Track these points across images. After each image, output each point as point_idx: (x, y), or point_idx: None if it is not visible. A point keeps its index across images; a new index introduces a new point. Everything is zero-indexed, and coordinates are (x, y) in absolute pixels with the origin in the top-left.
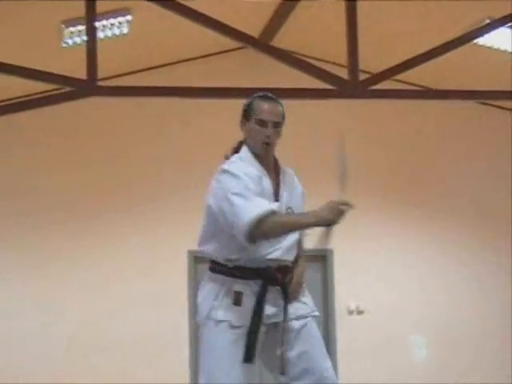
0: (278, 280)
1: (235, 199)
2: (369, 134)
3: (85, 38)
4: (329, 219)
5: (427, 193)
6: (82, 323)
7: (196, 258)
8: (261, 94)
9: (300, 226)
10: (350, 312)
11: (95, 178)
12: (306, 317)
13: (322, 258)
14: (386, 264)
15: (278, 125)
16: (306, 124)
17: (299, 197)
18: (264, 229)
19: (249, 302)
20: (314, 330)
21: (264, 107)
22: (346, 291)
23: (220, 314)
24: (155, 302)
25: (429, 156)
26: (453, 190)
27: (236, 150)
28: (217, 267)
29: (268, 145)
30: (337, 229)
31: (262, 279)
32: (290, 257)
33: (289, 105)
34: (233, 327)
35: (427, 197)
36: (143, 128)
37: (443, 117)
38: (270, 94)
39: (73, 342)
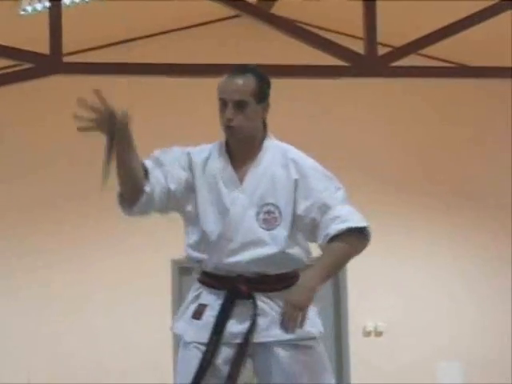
0: (241, 292)
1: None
2: (388, 119)
3: (47, 3)
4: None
5: (455, 193)
6: (59, 337)
7: (181, 269)
8: (237, 65)
9: None
10: (367, 333)
11: (61, 175)
12: (294, 344)
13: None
14: (409, 277)
15: (241, 103)
16: (315, 107)
17: (287, 188)
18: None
19: (211, 316)
20: (296, 366)
21: (224, 83)
22: (361, 309)
23: (177, 326)
24: (136, 315)
25: (465, 153)
26: (485, 189)
27: None
28: (195, 270)
29: (229, 128)
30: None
31: (225, 290)
32: (259, 268)
33: (294, 84)
34: (185, 343)
35: (454, 198)
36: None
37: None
38: (243, 66)
39: (52, 352)
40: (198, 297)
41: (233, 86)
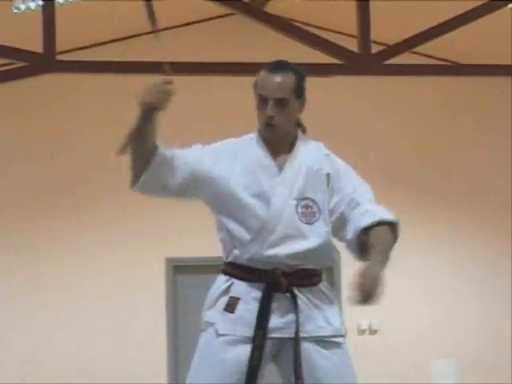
0: (281, 285)
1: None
2: (382, 117)
3: (40, 2)
4: (144, 102)
5: (456, 190)
6: (53, 335)
7: (175, 267)
8: (274, 61)
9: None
10: (361, 332)
11: (55, 172)
12: (325, 340)
13: (328, 268)
14: (403, 275)
15: (282, 101)
16: (309, 106)
17: (323, 183)
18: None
19: (245, 310)
20: (326, 363)
21: (264, 81)
22: (355, 307)
23: (210, 315)
24: (130, 313)
25: (465, 145)
26: (486, 187)
27: None
28: (224, 262)
29: (270, 126)
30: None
31: (264, 283)
32: (297, 261)
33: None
34: (219, 335)
35: (456, 195)
36: (112, 112)
37: (477, 93)
38: (281, 62)
39: (45, 353)
40: (228, 289)
41: (274, 83)
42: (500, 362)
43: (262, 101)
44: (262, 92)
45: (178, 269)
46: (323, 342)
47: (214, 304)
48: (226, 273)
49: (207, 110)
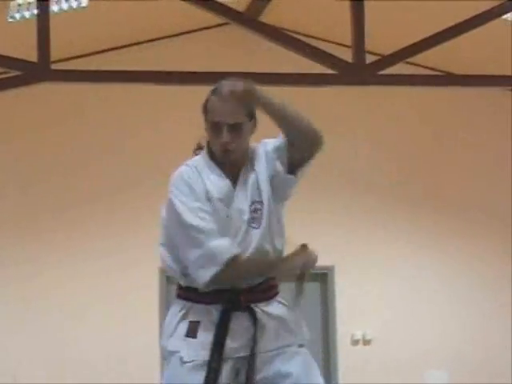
0: (240, 304)
1: (191, 236)
2: (376, 127)
3: (35, 11)
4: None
5: (445, 201)
6: (46, 340)
7: (168, 278)
8: (221, 82)
9: (270, 269)
10: (355, 342)
11: (49, 184)
12: (292, 347)
13: (321, 276)
14: (398, 284)
15: (236, 127)
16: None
17: (266, 171)
18: (224, 279)
19: (206, 333)
20: (295, 365)
21: (216, 105)
22: (349, 316)
23: (172, 344)
24: (123, 324)
25: (449, 159)
26: (475, 198)
27: (199, 148)
28: (178, 287)
29: (227, 152)
30: (338, 242)
31: (221, 303)
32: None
33: (281, 93)
34: (183, 363)
35: (446, 205)
36: (106, 121)
37: (470, 105)
38: (229, 83)
39: (34, 364)
40: (186, 314)
41: (226, 108)
42: (493, 374)
43: (215, 127)
44: (215, 118)
45: (171, 279)
46: (287, 348)
47: (173, 331)
48: (181, 297)
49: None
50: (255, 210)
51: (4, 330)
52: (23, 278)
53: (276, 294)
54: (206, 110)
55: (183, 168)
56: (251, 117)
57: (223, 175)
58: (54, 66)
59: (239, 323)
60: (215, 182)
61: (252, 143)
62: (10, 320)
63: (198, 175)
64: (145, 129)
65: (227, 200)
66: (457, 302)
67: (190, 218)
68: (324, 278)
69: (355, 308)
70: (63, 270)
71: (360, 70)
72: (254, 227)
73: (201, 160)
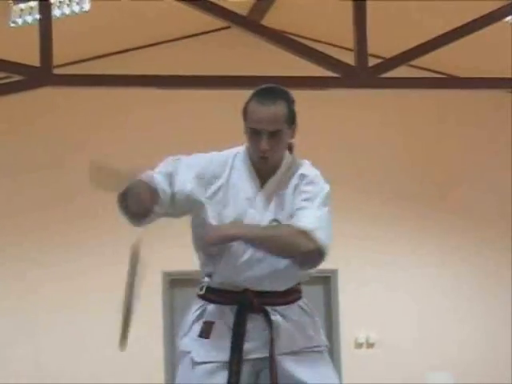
0: (253, 306)
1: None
2: (377, 131)
3: (37, 16)
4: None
5: (449, 204)
6: (46, 351)
7: (172, 281)
8: (261, 88)
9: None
10: (359, 345)
11: (49, 182)
12: (303, 351)
13: (324, 279)
14: (401, 287)
15: (276, 133)
16: (305, 119)
17: (291, 198)
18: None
19: (220, 334)
20: (306, 371)
21: (256, 113)
22: (353, 319)
23: (184, 344)
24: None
25: (453, 161)
26: (481, 198)
27: None
28: (199, 286)
29: (264, 159)
30: (341, 246)
31: (237, 305)
32: (264, 282)
33: None
34: (195, 364)
35: (449, 208)
36: (107, 124)
37: (471, 107)
38: (270, 89)
39: (38, 370)
40: (201, 314)
41: (266, 115)
42: (496, 375)
43: (255, 133)
44: (255, 125)
45: (175, 282)
46: (302, 352)
47: (188, 331)
48: (200, 297)
49: (202, 122)
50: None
51: (6, 331)
52: (23, 277)
53: (297, 298)
54: (246, 114)
55: (215, 155)
56: (291, 123)
57: (255, 177)
58: (56, 71)
59: (255, 325)
60: (246, 181)
61: (294, 155)
62: (13, 321)
63: (226, 167)
64: (147, 132)
65: (251, 202)
66: (460, 304)
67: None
68: (327, 281)
69: (358, 311)
70: (63, 273)
71: (362, 73)
72: None
73: (236, 154)
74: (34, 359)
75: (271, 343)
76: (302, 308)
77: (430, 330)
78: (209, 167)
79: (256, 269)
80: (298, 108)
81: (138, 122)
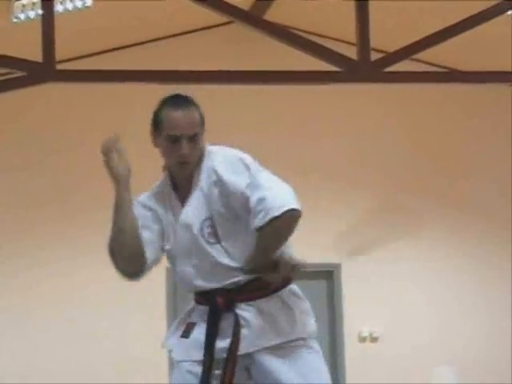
0: (220, 305)
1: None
2: (381, 124)
3: (40, 11)
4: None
5: (452, 198)
6: (53, 341)
7: None
8: (169, 97)
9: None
10: (362, 339)
11: (48, 178)
12: (279, 347)
13: (328, 273)
14: (405, 281)
15: (194, 137)
16: (307, 114)
17: (216, 199)
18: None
19: (199, 334)
20: (280, 366)
21: (174, 119)
22: (356, 314)
23: (168, 343)
24: (130, 323)
25: (456, 155)
26: (484, 191)
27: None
28: None
29: (185, 164)
30: (344, 240)
31: (208, 305)
32: (214, 283)
33: (286, 91)
34: (176, 362)
35: (452, 202)
36: (110, 120)
37: (475, 101)
38: (179, 96)
39: (46, 354)
40: (188, 315)
41: (185, 120)
42: (501, 369)
43: (173, 140)
44: (174, 132)
45: None
46: (279, 348)
47: (174, 331)
48: (193, 299)
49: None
50: (210, 226)
51: (10, 333)
52: (32, 276)
53: (275, 290)
54: (160, 124)
55: (146, 195)
56: (203, 125)
57: (176, 195)
58: (58, 66)
59: (228, 323)
60: (172, 204)
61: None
62: (18, 320)
63: (157, 198)
64: (144, 130)
65: (176, 219)
66: (464, 297)
67: None
68: (330, 275)
69: (362, 305)
70: (67, 272)
71: (365, 67)
72: (211, 242)
73: (158, 186)
74: (32, 357)
75: (233, 341)
76: (282, 299)
77: (434, 324)
78: (150, 201)
79: (212, 275)
80: (300, 102)
81: (140, 117)
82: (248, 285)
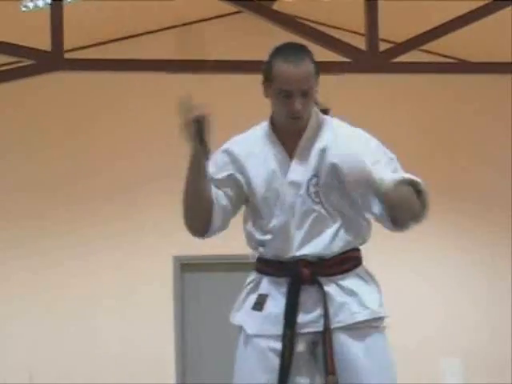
0: (304, 277)
1: None
2: (387, 115)
3: (48, 0)
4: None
5: (454, 189)
6: (60, 336)
7: (183, 266)
8: (282, 46)
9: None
10: None
11: (64, 171)
12: (360, 327)
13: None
14: (411, 272)
15: (307, 92)
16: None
17: (333, 163)
18: None
19: (273, 307)
20: (361, 353)
21: (286, 73)
22: None
23: (237, 317)
24: (137, 312)
25: (464, 147)
26: (483, 185)
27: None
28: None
29: (297, 119)
30: None
31: (289, 277)
32: (313, 250)
33: None
34: (248, 336)
35: (455, 192)
36: (119, 110)
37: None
38: (293, 47)
39: (53, 351)
40: (256, 286)
41: (298, 75)
42: (508, 362)
43: (285, 94)
44: (286, 87)
45: (186, 267)
46: (358, 329)
47: (241, 305)
48: (256, 269)
49: (213, 106)
50: (315, 184)
51: (19, 328)
52: (36, 271)
53: (354, 266)
54: (271, 76)
55: (240, 137)
56: (317, 78)
57: (282, 147)
58: (67, 55)
59: (308, 297)
60: (276, 155)
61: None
62: (25, 317)
63: (257, 145)
64: (164, 120)
65: (282, 173)
66: (472, 289)
67: None
68: None
69: None
70: (74, 263)
71: (374, 57)
72: (315, 201)
73: (256, 132)
74: (36, 357)
75: (325, 316)
76: (360, 276)
77: (441, 316)
78: (239, 149)
79: (309, 239)
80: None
81: (146, 106)
82: (331, 259)
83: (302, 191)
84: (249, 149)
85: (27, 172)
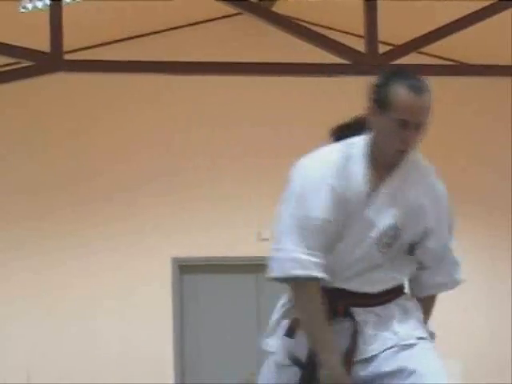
0: (337, 308)
1: (283, 231)
2: None
3: (48, 1)
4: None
5: (458, 191)
6: (59, 337)
7: (182, 267)
8: (407, 74)
9: (313, 340)
10: None
11: (55, 167)
12: (394, 347)
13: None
14: None
15: (422, 125)
16: (316, 106)
17: (416, 216)
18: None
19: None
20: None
21: (409, 102)
22: None
23: (269, 343)
24: (135, 313)
25: (462, 148)
26: (483, 186)
27: (342, 132)
28: None
29: (404, 152)
30: None
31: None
32: (358, 288)
33: (294, 83)
34: (278, 366)
35: (458, 195)
36: (118, 111)
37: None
38: (416, 76)
39: (51, 351)
40: (290, 310)
41: (421, 107)
42: (507, 363)
43: (401, 125)
44: (406, 116)
45: (184, 268)
46: (391, 349)
47: (275, 328)
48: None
49: (213, 108)
50: (391, 236)
51: (18, 328)
52: (36, 272)
53: (396, 296)
54: (387, 103)
55: (329, 159)
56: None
57: (372, 177)
58: (66, 57)
59: (341, 326)
60: (364, 181)
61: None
62: (25, 318)
63: (344, 171)
64: (164, 121)
65: (360, 201)
66: (471, 290)
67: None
68: None
69: None
70: (74, 264)
71: (373, 59)
72: (381, 251)
73: (352, 151)
74: (36, 357)
75: (351, 352)
76: (399, 304)
77: (440, 317)
78: (339, 185)
79: (359, 278)
80: (306, 95)
81: (146, 108)
82: (371, 294)
83: (374, 234)
84: (346, 182)
85: (28, 173)
